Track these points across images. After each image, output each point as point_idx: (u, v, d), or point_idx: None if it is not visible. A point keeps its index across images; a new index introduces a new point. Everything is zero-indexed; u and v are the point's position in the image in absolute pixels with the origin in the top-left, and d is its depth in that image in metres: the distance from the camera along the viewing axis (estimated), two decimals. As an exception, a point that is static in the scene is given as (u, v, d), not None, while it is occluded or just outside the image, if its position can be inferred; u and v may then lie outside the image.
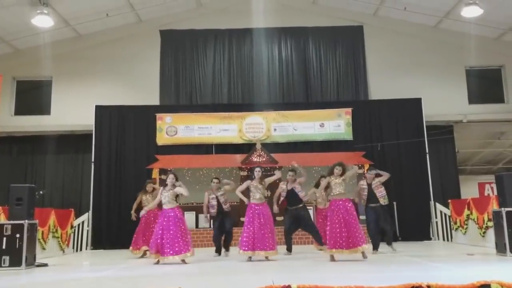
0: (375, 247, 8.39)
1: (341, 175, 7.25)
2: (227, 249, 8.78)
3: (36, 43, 13.26)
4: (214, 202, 8.62)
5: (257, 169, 7.94)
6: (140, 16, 13.90)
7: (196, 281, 5.55)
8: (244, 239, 7.46)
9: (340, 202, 7.15)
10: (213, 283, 5.31)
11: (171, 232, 7.26)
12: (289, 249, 8.58)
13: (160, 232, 7.32)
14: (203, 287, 4.80)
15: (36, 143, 13.42)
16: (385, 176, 8.67)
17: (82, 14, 12.95)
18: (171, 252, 7.19)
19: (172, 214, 7.41)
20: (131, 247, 8.99)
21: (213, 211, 8.66)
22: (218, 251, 8.70)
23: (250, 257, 7.42)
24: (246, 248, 7.41)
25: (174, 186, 7.53)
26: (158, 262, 7.32)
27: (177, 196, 7.57)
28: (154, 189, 9.29)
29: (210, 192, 8.72)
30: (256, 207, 7.66)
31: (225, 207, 8.65)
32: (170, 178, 7.58)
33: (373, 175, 8.74)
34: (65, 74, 13.75)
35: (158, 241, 7.28)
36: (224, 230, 8.69)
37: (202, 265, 7.16)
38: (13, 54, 13.74)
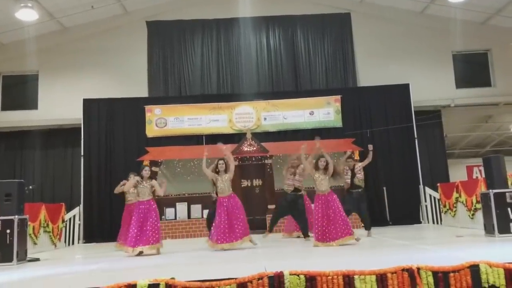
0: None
1: (325, 168, 7.36)
2: None
3: (21, 37, 13.06)
4: None
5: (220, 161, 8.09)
6: (126, 7, 13.73)
7: (188, 270, 5.57)
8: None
9: (323, 197, 7.30)
10: (206, 272, 5.33)
11: (149, 223, 7.29)
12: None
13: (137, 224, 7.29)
14: (196, 276, 4.80)
15: (24, 138, 13.32)
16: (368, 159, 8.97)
17: (67, 7, 12.76)
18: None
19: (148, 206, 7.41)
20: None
21: None
22: None
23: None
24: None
25: (151, 179, 7.56)
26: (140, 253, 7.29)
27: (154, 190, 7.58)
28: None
29: None
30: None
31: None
32: (146, 171, 7.59)
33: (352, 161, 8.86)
34: (52, 68, 13.59)
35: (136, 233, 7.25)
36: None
37: (195, 255, 7.19)
38: (-2, 49, 13.56)
